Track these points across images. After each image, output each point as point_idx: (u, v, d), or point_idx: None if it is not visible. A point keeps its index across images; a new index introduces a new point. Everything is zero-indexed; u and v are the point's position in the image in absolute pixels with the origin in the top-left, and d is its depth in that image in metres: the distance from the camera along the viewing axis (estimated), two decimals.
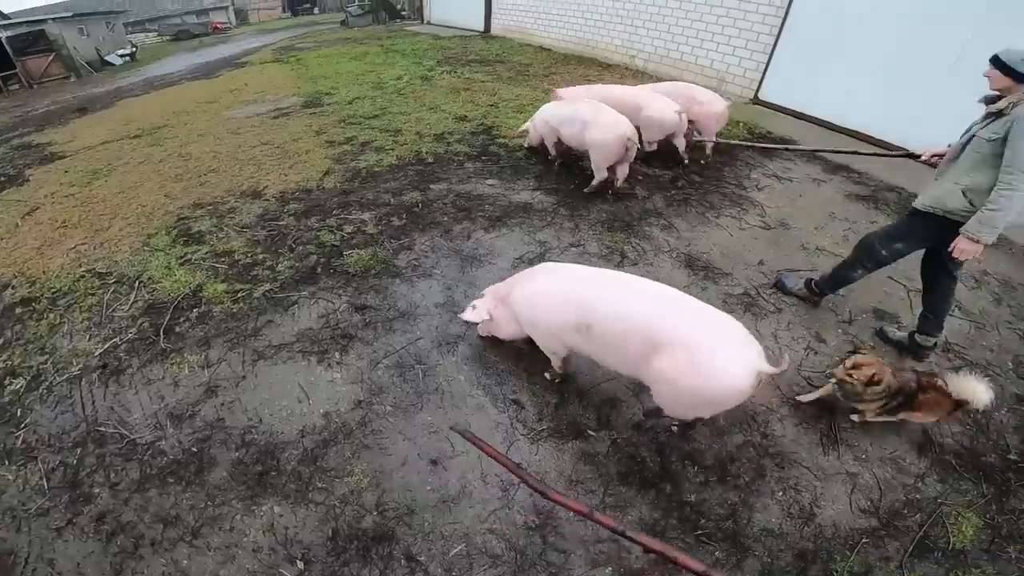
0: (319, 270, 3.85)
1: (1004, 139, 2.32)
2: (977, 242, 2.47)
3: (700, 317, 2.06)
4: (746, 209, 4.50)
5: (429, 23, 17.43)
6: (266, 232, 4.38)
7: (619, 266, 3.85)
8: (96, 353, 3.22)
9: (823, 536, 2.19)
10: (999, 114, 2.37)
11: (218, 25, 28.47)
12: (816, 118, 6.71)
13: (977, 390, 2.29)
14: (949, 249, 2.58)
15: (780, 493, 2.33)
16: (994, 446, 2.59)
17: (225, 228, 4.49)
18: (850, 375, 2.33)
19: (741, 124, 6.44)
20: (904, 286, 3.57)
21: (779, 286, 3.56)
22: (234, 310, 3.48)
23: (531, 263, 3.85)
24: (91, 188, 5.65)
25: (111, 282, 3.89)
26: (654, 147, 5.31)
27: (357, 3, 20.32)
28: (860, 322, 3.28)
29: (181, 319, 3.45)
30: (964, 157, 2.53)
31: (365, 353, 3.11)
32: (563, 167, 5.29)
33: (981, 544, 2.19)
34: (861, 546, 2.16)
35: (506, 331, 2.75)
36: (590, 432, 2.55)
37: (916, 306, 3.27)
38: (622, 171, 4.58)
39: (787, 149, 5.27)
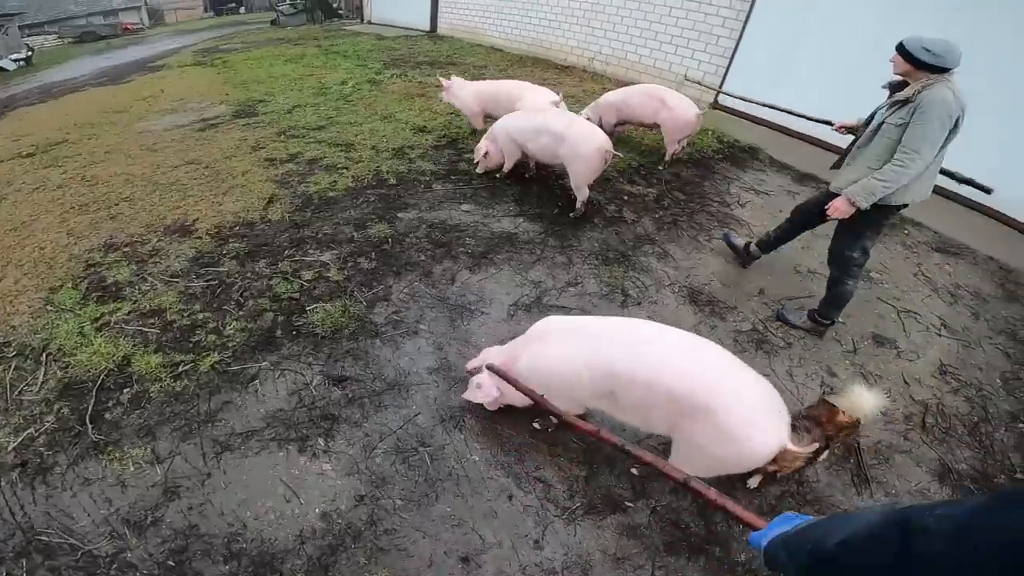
0: (279, 332, 3.20)
1: (908, 124, 2.54)
2: (852, 205, 2.73)
3: (732, 381, 1.96)
4: (734, 229, 4.38)
5: (370, 22, 16.55)
6: (204, 282, 3.62)
7: (623, 306, 3.54)
8: (9, 448, 2.56)
9: None
10: (906, 101, 2.55)
11: (128, 26, 26.04)
12: (777, 124, 6.63)
13: (863, 402, 2.17)
14: (829, 208, 2.84)
15: None
16: (1001, 467, 2.69)
17: (149, 278, 3.67)
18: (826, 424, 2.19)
19: (710, 132, 6.28)
20: (894, 308, 3.69)
21: (782, 319, 3.50)
22: (177, 389, 2.81)
23: (528, 309, 3.44)
24: None
25: (10, 355, 3.08)
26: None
27: (289, 1, 19.08)
28: (864, 350, 3.31)
29: (110, 403, 2.76)
30: (875, 143, 2.72)
31: (355, 437, 2.60)
32: (541, 184, 4.83)
33: None
34: None
35: (517, 400, 2.48)
36: (627, 503, 2.38)
37: (908, 327, 3.54)
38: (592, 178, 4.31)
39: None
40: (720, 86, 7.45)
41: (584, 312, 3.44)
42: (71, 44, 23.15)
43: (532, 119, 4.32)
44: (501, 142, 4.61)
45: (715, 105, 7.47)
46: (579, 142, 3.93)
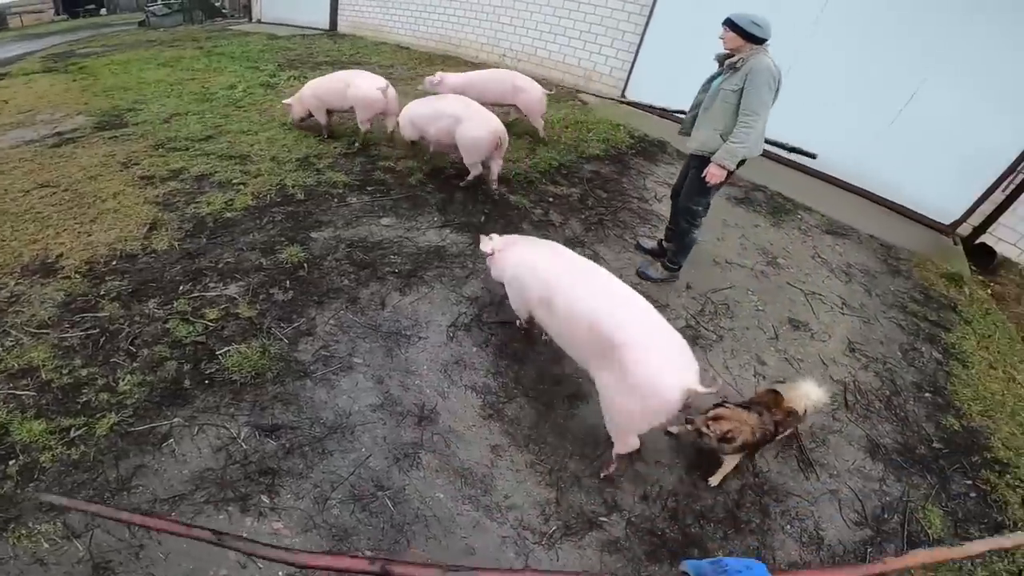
0: (187, 382, 2.75)
1: (743, 89, 2.96)
2: (723, 168, 3.14)
3: (644, 325, 2.18)
4: (655, 226, 4.52)
5: (260, 22, 15.37)
6: (81, 332, 3.03)
7: None
8: None
9: (837, 555, 2.34)
10: (736, 69, 3.00)
11: None
12: (679, 117, 6.87)
13: (808, 393, 2.49)
14: (703, 175, 3.22)
15: (788, 526, 2.44)
16: (919, 437, 2.93)
17: (12, 331, 3.01)
18: (707, 426, 2.31)
19: (621, 127, 6.39)
20: (801, 291, 3.98)
21: (643, 276, 3.87)
22: (74, 456, 2.37)
23: (468, 328, 3.25)
24: None
25: None
26: (367, 127, 5.37)
27: (162, 1, 17.31)
28: (784, 335, 3.53)
29: None
30: (716, 108, 3.16)
31: (304, 490, 2.33)
32: (465, 192, 4.59)
33: (949, 530, 2.48)
34: (870, 556, 2.32)
35: (496, 276, 2.96)
36: (602, 519, 2.38)
37: (816, 308, 3.84)
38: (496, 167, 4.57)
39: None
40: (627, 80, 7.63)
41: None
42: None
43: (432, 105, 4.57)
44: (403, 127, 4.78)
45: (621, 101, 7.61)
46: (476, 126, 4.23)
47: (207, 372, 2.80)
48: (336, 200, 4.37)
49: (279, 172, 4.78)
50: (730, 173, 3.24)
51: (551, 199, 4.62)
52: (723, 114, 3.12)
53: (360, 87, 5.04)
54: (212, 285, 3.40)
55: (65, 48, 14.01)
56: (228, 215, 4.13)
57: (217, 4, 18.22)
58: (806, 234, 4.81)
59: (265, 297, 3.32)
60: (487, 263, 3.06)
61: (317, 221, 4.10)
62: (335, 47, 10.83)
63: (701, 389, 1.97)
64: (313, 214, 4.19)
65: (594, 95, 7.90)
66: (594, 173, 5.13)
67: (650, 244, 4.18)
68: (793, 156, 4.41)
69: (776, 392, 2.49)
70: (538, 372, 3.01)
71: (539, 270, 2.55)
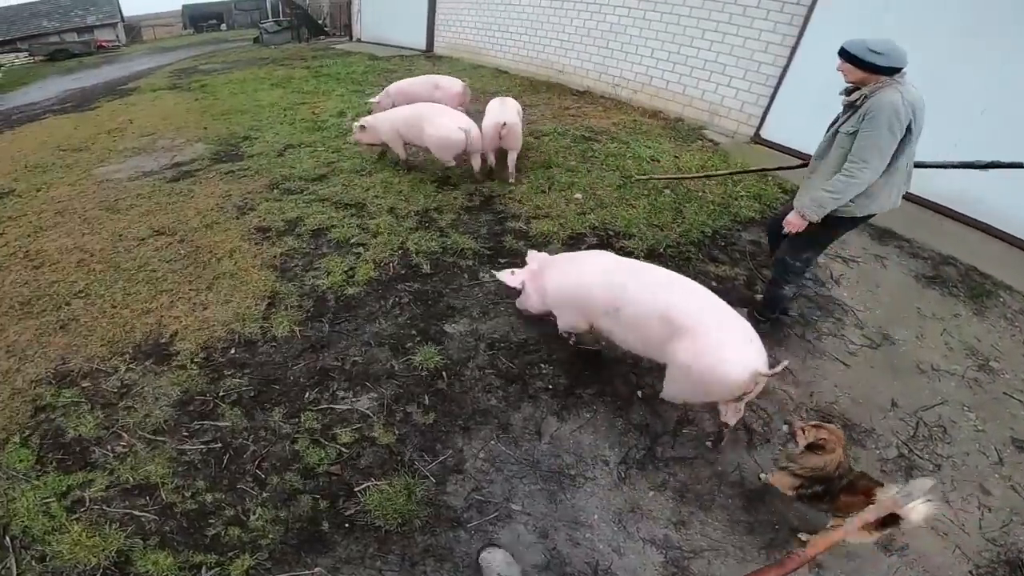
0: (325, 524, 2.15)
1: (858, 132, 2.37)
2: (803, 218, 2.56)
3: (715, 312, 2.14)
4: (840, 318, 3.44)
5: (359, 41, 15.13)
6: (201, 444, 2.45)
7: (749, 446, 2.61)
8: None
9: None
10: (856, 108, 2.37)
11: (103, 43, 23.81)
12: None
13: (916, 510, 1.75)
14: (785, 224, 2.67)
15: None
16: None
17: (124, 434, 2.49)
18: (804, 430, 1.97)
19: (769, 179, 5.21)
20: (1021, 402, 2.96)
21: None
22: None
23: (642, 466, 2.43)
24: None
25: None
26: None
27: (273, 19, 17.51)
28: (1009, 459, 2.66)
29: None
30: (832, 154, 2.52)
31: None
32: None
33: None
34: None
35: (535, 304, 2.69)
36: None
37: None
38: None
39: (706, 176, 4.78)
40: (763, 117, 6.42)
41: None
42: (42, 62, 21.04)
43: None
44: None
45: (756, 139, 6.42)
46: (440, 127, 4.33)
47: (347, 514, 2.17)
48: (467, 276, 3.56)
49: (399, 231, 4.03)
50: (821, 224, 2.61)
51: (713, 282, 3.60)
52: (839, 162, 2.44)
53: (439, 127, 4.46)
54: (341, 394, 2.70)
55: (189, 63, 14.34)
56: (350, 291, 3.41)
57: (320, 23, 18.26)
58: (1014, 324, 3.56)
59: (402, 417, 2.58)
60: (518, 303, 2.85)
61: (449, 307, 3.30)
62: (434, 70, 10.17)
63: (767, 371, 1.98)
64: (444, 296, 3.39)
65: (720, 132, 6.75)
66: (754, 244, 4.04)
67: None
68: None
69: (872, 481, 1.93)
70: (729, 519, 2.21)
71: (599, 285, 2.39)
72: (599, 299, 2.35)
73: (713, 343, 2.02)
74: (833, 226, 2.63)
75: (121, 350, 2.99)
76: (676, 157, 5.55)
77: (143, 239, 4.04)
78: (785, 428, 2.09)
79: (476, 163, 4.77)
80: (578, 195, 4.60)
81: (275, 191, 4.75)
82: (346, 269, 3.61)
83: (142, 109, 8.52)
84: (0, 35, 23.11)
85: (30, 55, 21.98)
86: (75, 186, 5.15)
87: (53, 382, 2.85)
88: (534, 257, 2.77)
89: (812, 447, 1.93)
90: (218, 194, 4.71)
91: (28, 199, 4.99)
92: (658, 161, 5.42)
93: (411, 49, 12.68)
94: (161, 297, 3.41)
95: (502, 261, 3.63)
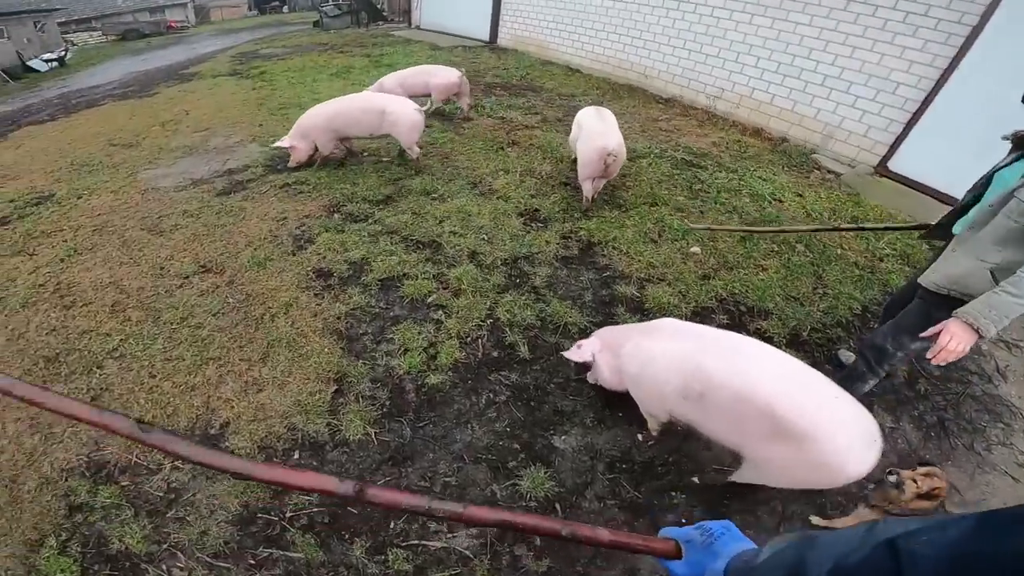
0: None
1: None
2: (974, 331, 1.57)
3: (830, 407, 1.60)
4: (1008, 423, 2.54)
5: (419, 28, 14.00)
6: None
7: None
8: None
9: None
10: None
11: (173, 23, 23.42)
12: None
13: None
14: (927, 333, 1.70)
15: None
16: None
17: (180, 552, 1.87)
18: (916, 480, 1.74)
19: (877, 207, 4.10)
20: None
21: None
22: None
23: None
24: None
25: None
26: None
27: (333, 2, 16.54)
28: None
29: None
30: (995, 224, 1.62)
31: None
32: None
33: None
34: None
35: (609, 380, 2.12)
36: None
37: None
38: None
39: (781, 231, 3.54)
40: (893, 147, 5.08)
41: None
42: (113, 42, 20.80)
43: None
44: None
45: (881, 171, 5.11)
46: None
47: None
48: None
49: (485, 290, 3.03)
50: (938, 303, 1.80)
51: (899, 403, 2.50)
52: (1006, 237, 1.59)
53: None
54: (433, 526, 1.87)
55: (251, 47, 13.57)
56: (433, 380, 2.47)
57: (379, 8, 17.18)
58: None
59: (510, 561, 1.78)
60: (589, 377, 2.31)
61: (557, 411, 2.34)
62: (500, 64, 9.04)
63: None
64: (548, 394, 2.43)
65: (834, 159, 5.45)
66: (861, 316, 2.92)
67: (848, 357, 2.65)
68: None
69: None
70: None
71: (686, 360, 1.77)
72: (682, 377, 1.79)
73: (830, 450, 1.55)
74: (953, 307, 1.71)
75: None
76: (799, 196, 4.34)
77: (186, 277, 3.19)
78: (892, 478, 1.79)
79: (588, 190, 3.72)
80: (695, 248, 3.50)
81: (335, 216, 3.82)
82: (425, 345, 2.66)
83: (199, 98, 7.74)
84: (77, 13, 22.94)
85: (103, 35, 21.80)
86: (118, 194, 4.36)
87: (87, 474, 2.16)
88: (602, 337, 2.18)
89: (925, 496, 1.74)
90: (272, 216, 3.81)
91: (67, 208, 4.23)
92: (781, 201, 4.23)
93: (473, 39, 11.50)
94: (208, 368, 2.56)
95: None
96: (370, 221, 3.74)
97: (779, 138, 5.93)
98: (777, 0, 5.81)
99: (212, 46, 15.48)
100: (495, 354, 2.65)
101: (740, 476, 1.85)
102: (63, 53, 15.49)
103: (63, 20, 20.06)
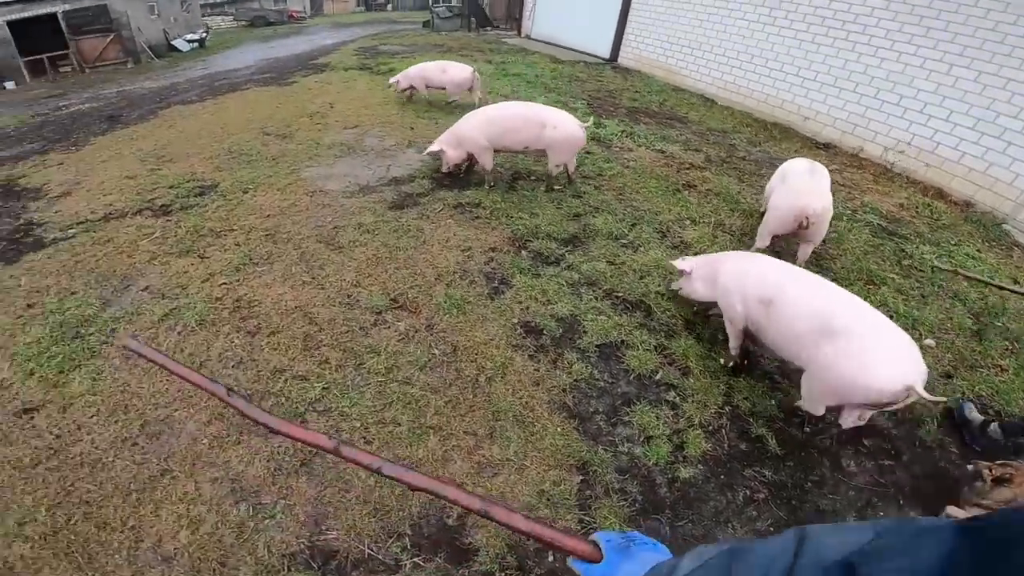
0: None
1: None
2: None
3: (878, 324, 1.84)
4: None
5: (528, 37, 13.34)
6: None
7: None
8: None
9: None
10: None
11: (294, 14, 23.94)
12: None
13: None
14: None
15: None
16: None
17: None
18: (990, 468, 1.79)
19: None
20: None
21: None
22: None
23: None
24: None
25: None
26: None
27: (445, 4, 16.14)
28: None
29: None
30: None
31: None
32: None
33: None
34: None
35: (700, 292, 2.44)
36: None
37: None
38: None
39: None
40: None
41: None
42: (242, 28, 21.41)
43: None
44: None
45: None
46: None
47: None
48: (827, 462, 1.94)
49: (714, 370, 2.35)
50: None
51: None
52: None
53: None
54: None
55: (369, 43, 13.35)
56: (684, 474, 1.92)
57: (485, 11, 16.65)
58: None
59: None
60: (681, 286, 2.52)
61: (817, 510, 1.80)
62: (630, 86, 8.21)
63: (925, 395, 1.65)
64: (807, 493, 1.87)
65: None
66: None
67: (975, 415, 2.19)
68: None
69: None
70: None
71: (765, 275, 2.15)
72: (759, 289, 2.11)
73: (870, 347, 1.75)
74: None
75: (395, 527, 1.71)
76: (1016, 282, 3.35)
77: (379, 312, 2.64)
78: (970, 468, 1.83)
79: (764, 242, 2.99)
80: (930, 341, 2.69)
81: (524, 253, 3.19)
82: (668, 433, 2.05)
83: (338, 91, 7.38)
84: None
85: (235, 20, 22.52)
86: (284, 193, 3.93)
87: (314, 566, 1.65)
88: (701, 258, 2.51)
89: (998, 480, 1.75)
90: (455, 244, 3.23)
91: (233, 203, 3.82)
92: (1000, 287, 3.25)
93: (589, 55, 10.69)
94: (429, 439, 1.99)
95: (867, 445, 1.90)
96: (563, 266, 3.08)
97: (963, 202, 4.85)
98: (988, 54, 4.72)
99: (330, 39, 15.44)
100: (743, 446, 2.06)
101: (803, 396, 1.98)
102: (204, 35, 15.89)
103: (202, 3, 20.84)
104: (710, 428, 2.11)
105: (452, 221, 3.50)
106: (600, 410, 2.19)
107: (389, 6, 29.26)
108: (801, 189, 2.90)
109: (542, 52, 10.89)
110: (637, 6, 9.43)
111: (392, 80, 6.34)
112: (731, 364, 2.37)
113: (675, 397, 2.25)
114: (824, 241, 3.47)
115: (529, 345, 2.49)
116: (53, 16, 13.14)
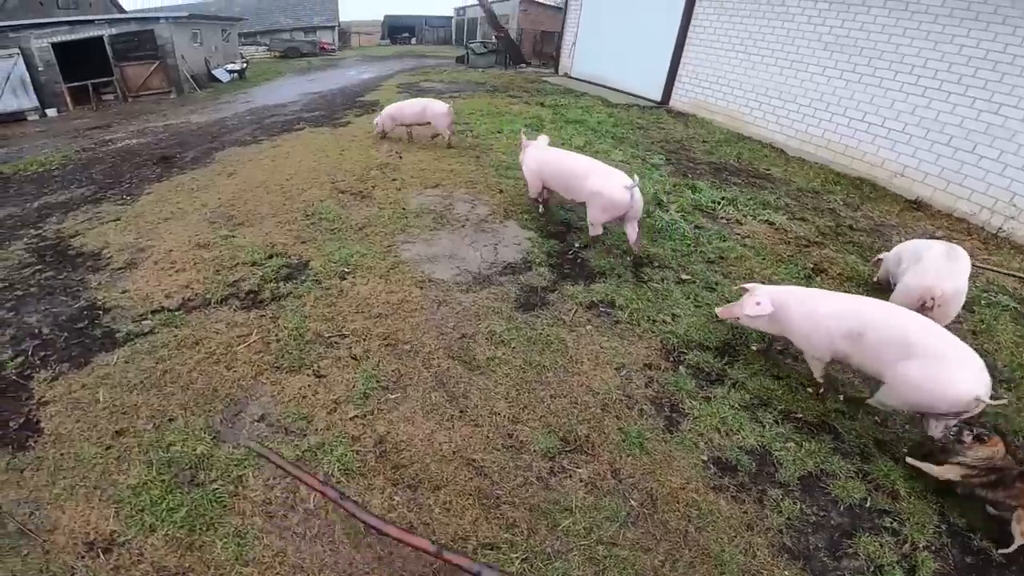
0: None
1: None
2: None
3: (950, 341, 2.07)
4: None
5: (567, 75, 13.04)
6: None
7: None
8: None
9: None
10: None
11: (325, 46, 23.87)
12: None
13: None
14: None
15: None
16: None
17: None
18: (971, 428, 2.01)
19: None
20: None
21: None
22: None
23: None
24: None
25: None
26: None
27: (481, 39, 15.93)
28: None
29: None
30: None
31: None
32: None
33: None
34: None
35: (767, 327, 2.55)
36: None
37: None
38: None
39: None
40: None
41: None
42: (277, 58, 21.31)
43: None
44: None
45: None
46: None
47: None
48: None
49: (920, 490, 1.98)
50: None
51: None
52: None
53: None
54: None
55: (408, 78, 13.06)
56: None
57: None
58: None
59: None
60: (748, 317, 2.54)
61: None
62: (693, 134, 7.75)
63: (989, 400, 1.94)
64: None
65: None
66: None
67: None
68: None
69: None
70: None
71: (847, 310, 2.31)
72: (846, 323, 2.27)
73: (948, 365, 2.00)
74: None
75: None
76: None
77: (552, 457, 2.10)
78: (954, 431, 2.04)
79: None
80: None
81: (682, 369, 2.65)
82: (896, 559, 1.85)
83: (398, 135, 6.93)
84: (245, 27, 23.87)
85: (268, 50, 22.45)
86: (389, 282, 3.39)
87: None
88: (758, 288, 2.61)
89: (977, 438, 1.95)
90: (606, 360, 2.68)
91: (332, 293, 3.27)
92: None
93: (638, 97, 10.31)
94: None
95: None
96: (728, 384, 2.56)
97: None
98: None
99: (366, 72, 15.20)
100: (968, 560, 1.87)
101: (876, 398, 2.24)
102: (244, 66, 15.65)
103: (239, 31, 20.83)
104: (933, 548, 1.89)
105: (592, 328, 2.96)
106: (820, 546, 1.87)
107: (413, 40, 29.33)
108: (933, 270, 2.73)
109: (590, 93, 10.51)
110: (692, 47, 9.04)
111: (375, 120, 6.76)
112: (821, 391, 2.50)
113: (891, 522, 1.96)
114: (974, 332, 2.99)
115: (728, 485, 2.03)
116: (99, 40, 12.76)
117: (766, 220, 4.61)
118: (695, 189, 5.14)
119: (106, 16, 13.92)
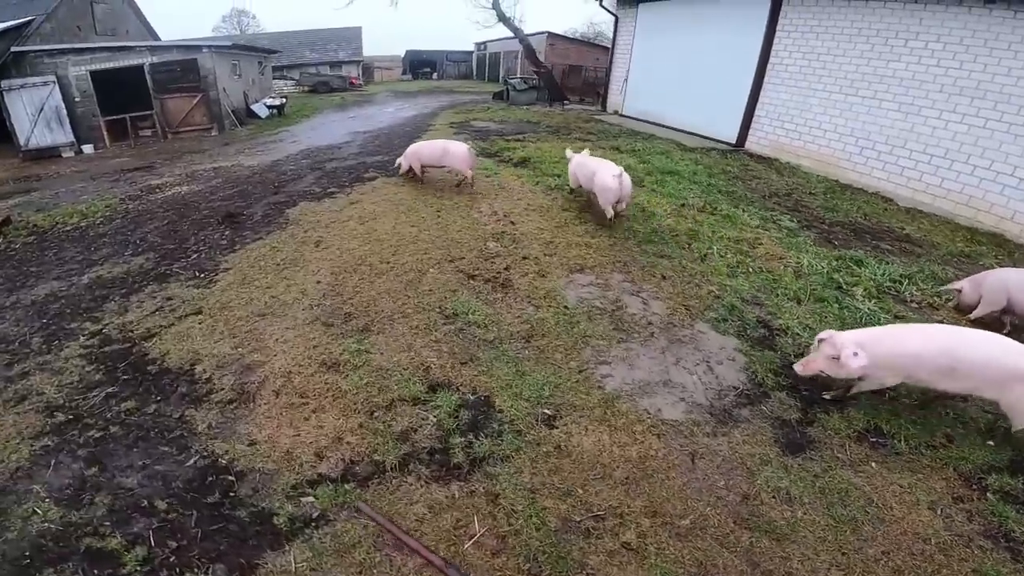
0: None
1: None
2: None
3: None
4: None
5: (619, 114, 12.54)
6: None
7: None
8: None
9: None
10: None
11: (354, 80, 23.61)
12: None
13: None
14: None
15: None
16: None
17: None
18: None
19: None
20: None
21: None
22: None
23: None
24: None
25: None
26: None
27: (521, 76, 15.52)
28: None
29: None
30: None
31: None
32: None
33: None
34: None
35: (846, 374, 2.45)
36: None
37: None
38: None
39: None
40: None
41: None
42: (307, 92, 20.92)
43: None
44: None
45: None
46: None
47: None
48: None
49: None
50: None
51: None
52: None
53: None
54: None
55: (455, 116, 12.48)
56: None
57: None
58: None
59: None
60: (841, 369, 2.39)
61: None
62: (794, 184, 7.10)
63: None
64: None
65: None
66: None
67: None
68: None
69: None
70: None
71: (936, 350, 2.34)
72: (935, 361, 2.33)
73: None
74: None
75: None
76: None
77: None
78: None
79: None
80: None
81: (990, 496, 1.91)
82: None
83: (494, 193, 6.19)
84: (274, 60, 23.61)
85: (298, 84, 22.09)
86: (612, 427, 2.51)
87: None
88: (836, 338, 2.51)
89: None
90: (927, 510, 1.92)
91: (546, 450, 2.42)
92: None
93: (703, 137, 9.73)
94: None
95: None
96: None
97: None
98: None
99: (405, 110, 14.69)
100: None
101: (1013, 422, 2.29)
102: (283, 101, 15.04)
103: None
104: None
105: (876, 465, 2.23)
106: None
107: (434, 75, 29.17)
108: None
109: (657, 136, 9.92)
110: (772, 85, 8.47)
111: (399, 161, 6.57)
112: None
113: None
114: None
115: None
116: (139, 70, 11.94)
117: (950, 299, 3.89)
118: (860, 263, 4.42)
119: (148, 43, 13.25)
